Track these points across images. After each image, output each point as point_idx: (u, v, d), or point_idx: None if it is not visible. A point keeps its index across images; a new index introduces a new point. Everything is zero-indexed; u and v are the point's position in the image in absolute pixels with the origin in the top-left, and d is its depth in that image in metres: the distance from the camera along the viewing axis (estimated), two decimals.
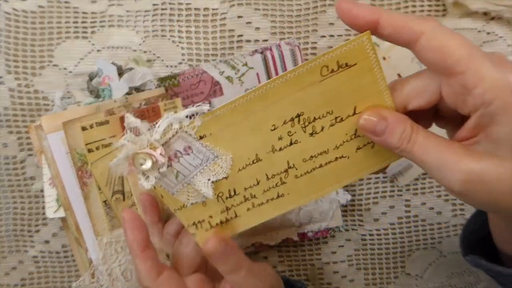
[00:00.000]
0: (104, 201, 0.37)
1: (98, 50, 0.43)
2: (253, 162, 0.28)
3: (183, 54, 0.43)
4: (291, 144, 0.28)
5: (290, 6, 0.43)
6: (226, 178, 0.29)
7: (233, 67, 0.41)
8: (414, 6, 0.43)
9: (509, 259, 0.32)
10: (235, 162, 0.28)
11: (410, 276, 0.47)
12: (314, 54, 0.44)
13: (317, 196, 0.29)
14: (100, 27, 0.43)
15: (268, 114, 0.27)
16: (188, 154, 0.28)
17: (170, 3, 0.43)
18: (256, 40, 0.43)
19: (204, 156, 0.28)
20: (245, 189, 0.29)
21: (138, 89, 0.41)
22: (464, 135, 0.25)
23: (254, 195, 0.29)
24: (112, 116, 0.37)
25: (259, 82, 0.42)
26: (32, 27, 0.43)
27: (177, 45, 0.43)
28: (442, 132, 0.28)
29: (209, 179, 0.29)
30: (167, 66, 0.43)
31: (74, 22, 0.43)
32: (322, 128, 0.27)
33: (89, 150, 0.36)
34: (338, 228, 0.45)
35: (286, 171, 0.28)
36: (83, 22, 0.43)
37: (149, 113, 0.38)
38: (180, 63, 0.43)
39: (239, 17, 0.43)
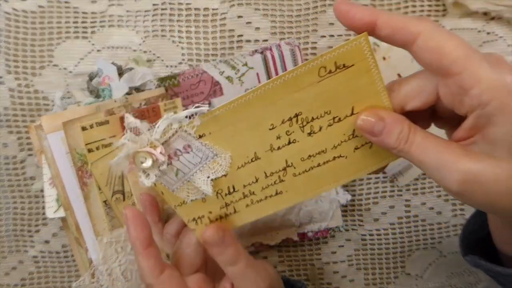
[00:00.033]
0: (104, 201, 0.37)
1: (98, 50, 0.43)
2: (251, 160, 0.29)
3: (183, 54, 0.43)
4: (289, 143, 0.28)
5: (290, 6, 0.43)
6: (225, 175, 0.29)
7: (233, 67, 0.42)
8: (414, 6, 0.43)
9: (508, 259, 0.32)
10: (234, 160, 0.29)
11: (410, 276, 0.47)
12: (314, 54, 0.44)
13: (314, 194, 0.30)
14: (100, 27, 0.43)
15: (266, 114, 0.27)
16: (188, 153, 0.29)
17: (170, 3, 0.43)
18: (256, 40, 0.43)
19: (203, 154, 0.29)
20: (244, 186, 0.30)
21: (138, 89, 0.41)
22: (461, 135, 0.25)
23: (253, 192, 0.30)
24: (112, 116, 0.37)
25: (259, 82, 0.42)
26: (32, 27, 0.43)
27: (177, 45, 0.43)
28: (441, 132, 0.28)
29: (208, 177, 0.29)
30: (167, 66, 0.43)
31: (74, 22, 0.43)
32: (320, 128, 0.27)
33: (89, 150, 0.36)
34: (338, 228, 0.45)
35: (284, 169, 0.29)
36: (83, 22, 0.43)
37: (149, 113, 0.38)
38: (180, 63, 0.43)
39: (239, 17, 0.43)
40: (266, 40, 0.43)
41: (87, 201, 0.37)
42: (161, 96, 0.40)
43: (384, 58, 0.43)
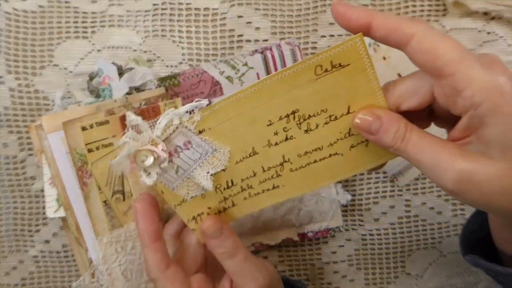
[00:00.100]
0: (104, 201, 0.37)
1: (98, 50, 0.43)
2: (250, 155, 0.29)
3: (183, 54, 0.43)
4: (286, 139, 0.28)
5: (290, 6, 0.43)
6: (224, 170, 0.30)
7: (233, 67, 0.42)
8: (414, 6, 0.43)
9: (508, 259, 0.33)
10: (232, 155, 0.29)
11: (410, 276, 0.47)
12: (314, 54, 0.44)
13: (311, 190, 0.30)
14: (100, 27, 0.43)
15: (264, 110, 0.28)
16: (188, 149, 0.29)
17: (170, 3, 0.43)
18: (256, 40, 0.43)
19: (203, 150, 0.29)
20: (242, 180, 0.30)
21: (138, 89, 0.41)
22: (457, 135, 0.25)
23: (251, 186, 0.30)
24: (112, 116, 0.37)
25: None
26: (32, 27, 0.43)
27: (177, 45, 0.43)
28: (441, 132, 0.29)
29: (208, 172, 0.29)
30: (167, 66, 0.43)
31: (74, 22, 0.43)
32: (317, 126, 0.28)
33: (89, 150, 0.36)
34: (338, 228, 0.45)
35: (281, 164, 0.29)
36: (83, 22, 0.43)
37: (149, 113, 0.38)
38: (180, 63, 0.43)
39: (239, 17, 0.43)
40: (266, 40, 0.43)
41: (87, 201, 0.37)
42: (161, 96, 0.40)
43: (384, 58, 0.43)
